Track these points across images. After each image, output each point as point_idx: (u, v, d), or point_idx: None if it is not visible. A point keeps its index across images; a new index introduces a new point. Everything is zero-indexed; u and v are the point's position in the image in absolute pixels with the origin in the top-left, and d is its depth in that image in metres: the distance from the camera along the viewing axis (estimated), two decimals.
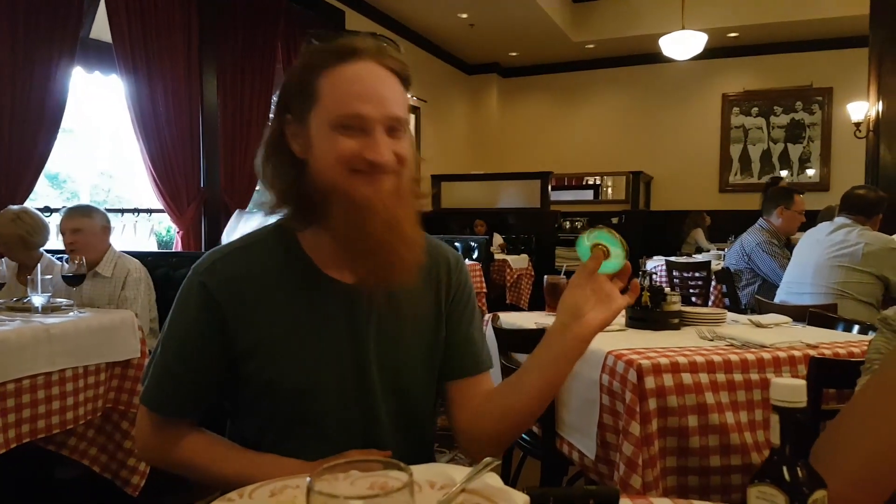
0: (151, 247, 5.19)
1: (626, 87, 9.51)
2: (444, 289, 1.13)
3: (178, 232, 4.95)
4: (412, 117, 8.29)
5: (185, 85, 4.90)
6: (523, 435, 2.16)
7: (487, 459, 0.80)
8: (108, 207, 5.23)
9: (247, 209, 5.40)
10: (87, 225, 2.68)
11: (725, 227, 7.82)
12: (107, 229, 2.78)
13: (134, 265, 2.76)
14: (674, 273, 5.34)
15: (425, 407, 1.13)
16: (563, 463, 2.01)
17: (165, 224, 5.38)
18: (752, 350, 1.79)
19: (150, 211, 5.17)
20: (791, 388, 0.56)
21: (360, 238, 0.95)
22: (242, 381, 1.02)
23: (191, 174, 5.01)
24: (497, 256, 6.34)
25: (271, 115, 1.05)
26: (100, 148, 5.55)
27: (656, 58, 7.94)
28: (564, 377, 1.01)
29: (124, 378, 2.25)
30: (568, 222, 9.11)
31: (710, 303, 4.70)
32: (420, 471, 0.82)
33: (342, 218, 0.96)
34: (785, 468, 0.56)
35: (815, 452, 0.85)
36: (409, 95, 1.02)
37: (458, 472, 0.81)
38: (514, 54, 9.40)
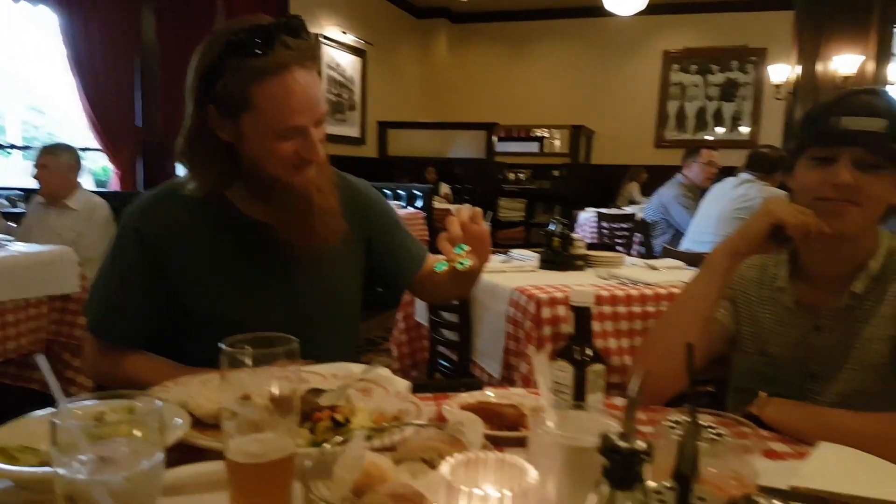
0: (87, 186, 5.15)
1: (573, 40, 9.62)
2: (360, 217, 1.32)
3: (114, 171, 4.93)
4: (358, 61, 8.20)
5: (123, 21, 4.79)
6: (444, 362, 2.41)
7: (381, 359, 1.02)
8: (38, 145, 5.14)
9: None
10: (51, 162, 2.97)
11: (660, 181, 8.12)
12: (73, 168, 3.07)
13: (100, 203, 3.08)
14: (603, 224, 5.65)
15: (352, 322, 1.34)
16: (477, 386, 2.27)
17: (101, 163, 5.33)
18: (638, 287, 2.06)
19: (85, 149, 5.11)
20: (582, 293, 0.78)
21: (300, 221, 1.15)
22: (180, 316, 1.18)
23: (127, 113, 4.95)
24: (440, 205, 6.50)
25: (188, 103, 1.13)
26: (28, 82, 5.39)
27: (601, 11, 8.06)
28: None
29: (65, 311, 2.36)
30: (513, 174, 9.28)
31: (632, 251, 5.00)
32: (327, 367, 1.04)
33: (284, 204, 1.14)
34: (576, 349, 0.78)
35: (640, 346, 1.11)
36: (334, 74, 1.18)
37: (358, 368, 1.02)
38: None
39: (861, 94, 1.10)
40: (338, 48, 7.62)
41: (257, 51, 1.04)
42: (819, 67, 5.74)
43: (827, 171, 1.07)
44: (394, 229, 1.39)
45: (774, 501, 0.43)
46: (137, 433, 0.57)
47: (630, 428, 0.45)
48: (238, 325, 1.16)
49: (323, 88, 1.17)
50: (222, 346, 0.65)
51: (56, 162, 2.98)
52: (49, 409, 0.65)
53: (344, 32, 7.72)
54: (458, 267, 1.03)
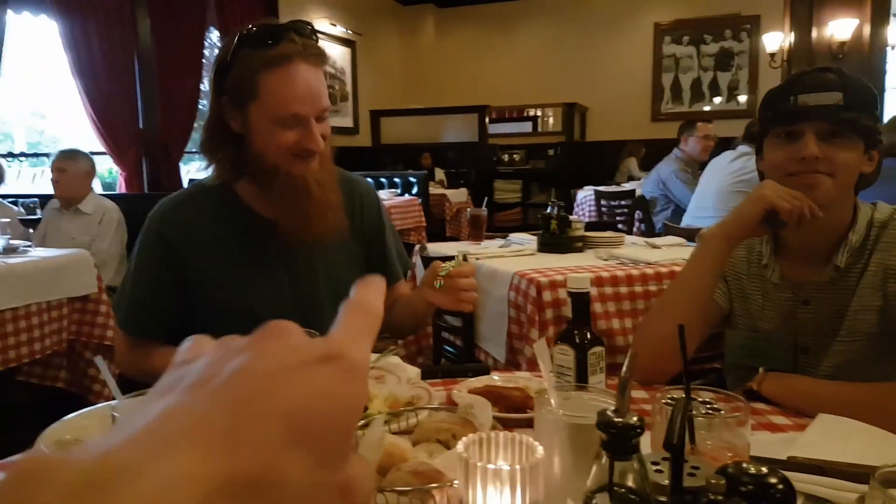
0: (97, 190, 5.21)
1: (561, 17, 9.56)
2: (358, 217, 1.40)
3: (120, 174, 5.01)
4: (348, 51, 8.23)
5: (119, 24, 4.84)
6: (448, 348, 2.47)
7: (391, 347, 1.07)
8: (42, 150, 5.20)
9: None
10: (71, 167, 3.07)
11: (657, 155, 8.05)
12: (90, 174, 3.18)
13: (111, 206, 3.18)
14: (601, 202, 5.66)
15: None
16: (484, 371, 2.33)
17: (106, 166, 5.39)
18: (639, 267, 2.10)
19: (91, 153, 5.17)
20: (579, 279, 0.83)
21: (297, 210, 1.21)
22: (198, 308, 1.27)
23: (130, 116, 5.02)
24: (436, 191, 6.51)
25: (206, 92, 1.24)
26: (30, 89, 5.44)
27: None
28: (424, 310, 1.35)
29: (84, 311, 2.45)
30: (507, 155, 9.28)
31: (634, 229, 5.02)
32: None
33: (282, 192, 1.21)
34: (575, 333, 0.83)
35: (639, 328, 1.16)
36: (326, 67, 1.23)
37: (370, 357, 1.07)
38: None
39: (815, 72, 1.15)
40: (328, 40, 7.65)
41: (266, 42, 1.13)
42: (814, 34, 5.70)
43: (793, 146, 1.12)
44: (384, 238, 1.45)
45: (762, 467, 0.48)
46: None
47: (622, 404, 0.50)
48: (248, 317, 1.24)
49: (326, 85, 1.23)
50: None
51: (75, 166, 3.08)
52: (103, 404, 0.70)
53: (333, 24, 7.75)
54: (442, 273, 1.15)
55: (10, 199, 3.22)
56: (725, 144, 4.14)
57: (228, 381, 0.23)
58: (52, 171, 3.08)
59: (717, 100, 9.10)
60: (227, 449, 0.21)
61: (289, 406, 0.23)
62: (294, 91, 1.14)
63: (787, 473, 0.54)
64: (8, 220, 2.41)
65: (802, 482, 0.71)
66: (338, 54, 7.98)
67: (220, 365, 0.24)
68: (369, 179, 1.55)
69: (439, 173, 7.76)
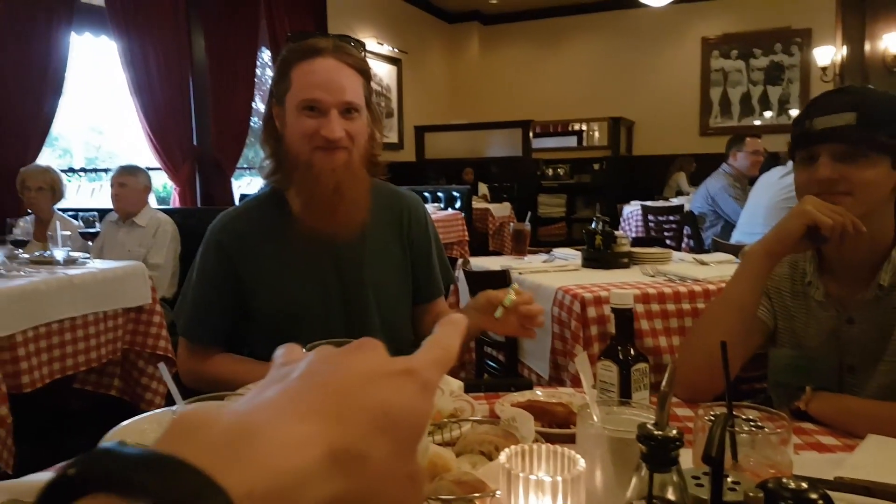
0: (151, 204, 5.41)
1: (607, 32, 9.55)
2: (405, 228, 1.43)
3: (175, 188, 5.18)
4: (394, 69, 8.38)
5: (175, 43, 5.04)
6: (491, 363, 2.47)
7: None
8: (100, 166, 5.42)
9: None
10: (131, 182, 3.24)
11: (706, 170, 7.91)
12: (147, 188, 3.34)
13: (165, 219, 3.31)
14: (649, 217, 5.58)
15: (403, 320, 1.43)
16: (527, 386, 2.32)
17: (161, 181, 5.60)
18: (686, 284, 2.07)
19: (146, 169, 5.37)
20: (622, 296, 0.84)
21: (312, 199, 1.26)
22: (253, 316, 1.32)
23: (184, 132, 5.21)
24: (479, 205, 6.53)
25: (258, 110, 1.32)
26: (89, 105, 5.69)
27: (634, 3, 8.01)
28: (470, 334, 1.36)
29: (138, 322, 2.54)
30: (551, 170, 9.27)
31: (682, 245, 4.92)
32: None
33: (301, 182, 1.26)
34: (619, 349, 0.84)
35: (682, 345, 1.15)
36: (372, 84, 1.28)
37: None
38: (494, 1, 9.39)
39: (830, 94, 1.17)
40: (375, 59, 7.82)
41: (305, 40, 1.23)
42: (867, 47, 5.55)
43: (811, 169, 1.14)
44: (430, 251, 1.47)
45: (802, 482, 0.48)
46: None
47: (662, 417, 0.51)
48: (295, 321, 1.29)
49: (361, 88, 1.28)
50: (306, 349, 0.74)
51: (134, 181, 3.23)
52: (163, 409, 0.74)
53: (380, 43, 7.92)
54: (505, 302, 1.15)
55: (71, 213, 3.36)
56: (776, 159, 4.05)
57: (332, 376, 0.30)
58: (112, 186, 3.22)
59: (768, 114, 8.93)
60: (334, 424, 0.28)
61: (377, 401, 0.29)
62: (315, 78, 1.21)
63: (834, 494, 0.54)
64: (68, 232, 2.53)
65: (849, 503, 0.70)
66: (384, 72, 8.14)
67: (322, 364, 0.30)
68: None
69: (482, 188, 7.79)
